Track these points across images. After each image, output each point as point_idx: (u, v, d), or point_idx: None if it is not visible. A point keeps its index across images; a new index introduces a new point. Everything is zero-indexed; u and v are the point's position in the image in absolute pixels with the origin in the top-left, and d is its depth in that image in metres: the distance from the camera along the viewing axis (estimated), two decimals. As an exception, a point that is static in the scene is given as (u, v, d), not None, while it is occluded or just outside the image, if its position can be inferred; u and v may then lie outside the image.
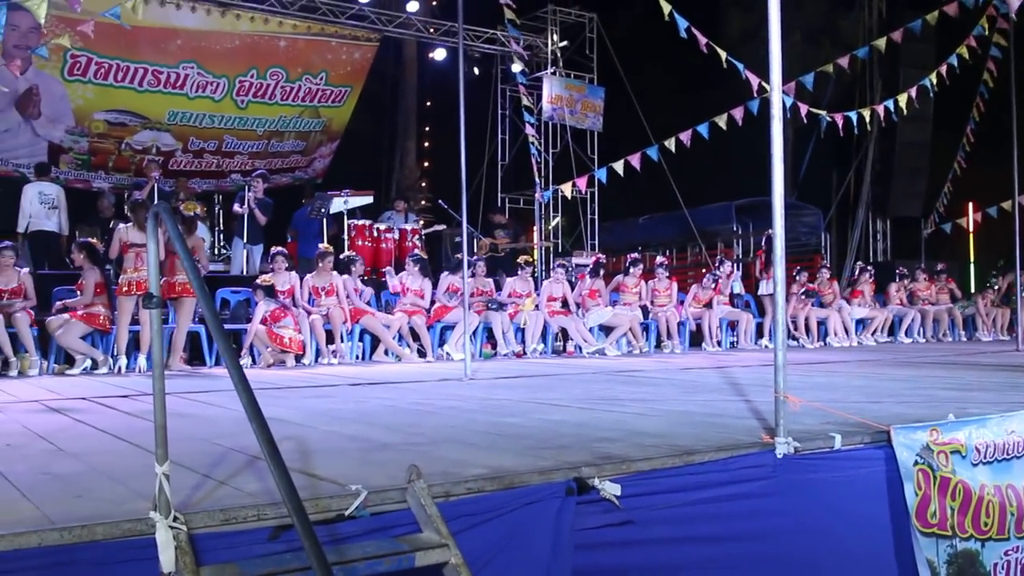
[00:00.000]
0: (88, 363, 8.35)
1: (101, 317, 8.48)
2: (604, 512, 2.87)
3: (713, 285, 12.18)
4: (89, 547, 2.17)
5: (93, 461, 3.25)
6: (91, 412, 4.94)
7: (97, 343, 8.66)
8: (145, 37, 13.38)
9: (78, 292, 8.55)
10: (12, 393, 6.18)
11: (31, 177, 11.67)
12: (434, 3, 17.61)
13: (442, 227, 13.93)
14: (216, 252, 13.40)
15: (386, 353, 9.88)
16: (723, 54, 9.65)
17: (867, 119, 11.39)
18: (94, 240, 8.93)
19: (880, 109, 11.76)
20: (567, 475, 2.85)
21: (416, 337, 10.15)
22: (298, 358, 9.12)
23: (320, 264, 9.74)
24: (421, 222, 14.14)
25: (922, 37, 12.01)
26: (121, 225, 8.58)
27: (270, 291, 9.10)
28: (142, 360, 8.32)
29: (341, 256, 10.48)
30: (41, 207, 10.90)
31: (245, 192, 11.57)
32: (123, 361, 8.33)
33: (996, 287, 14.81)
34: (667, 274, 12.16)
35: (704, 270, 13.25)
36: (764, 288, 12.10)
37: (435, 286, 10.52)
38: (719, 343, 11.99)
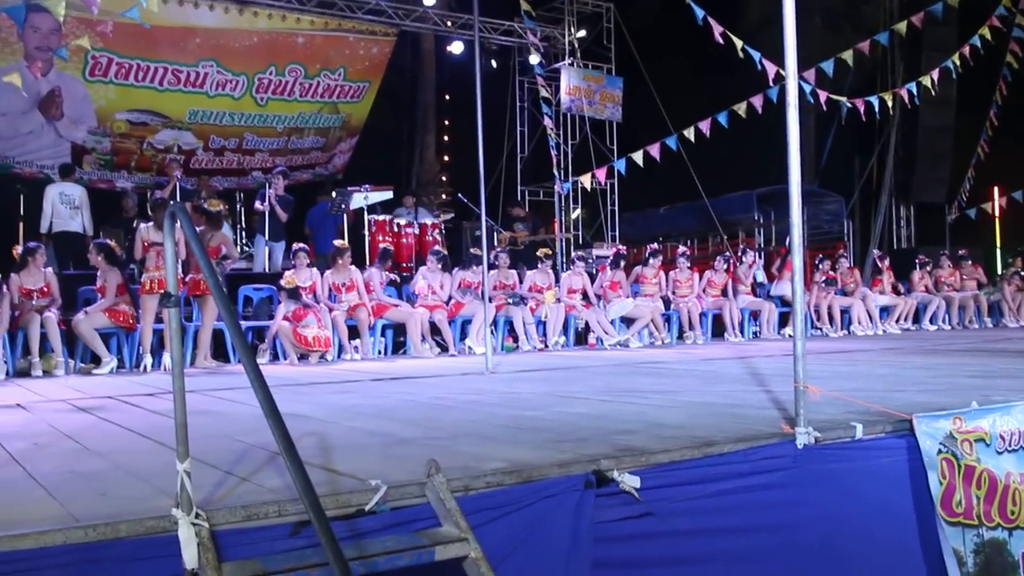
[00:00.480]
0: (114, 363, 8.43)
1: (128, 315, 8.57)
2: (623, 505, 2.88)
3: (725, 267, 12.14)
4: (113, 544, 2.19)
5: (118, 459, 3.29)
6: (116, 411, 4.99)
7: (123, 341, 8.74)
8: (164, 36, 13.46)
9: (99, 295, 8.62)
10: (39, 392, 6.25)
11: (55, 178, 11.77)
12: (451, -5, 17.59)
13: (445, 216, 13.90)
14: (239, 250, 13.49)
15: (405, 347, 9.92)
16: (739, 43, 9.58)
17: (889, 104, 11.27)
18: (111, 241, 9.00)
19: (903, 93, 11.64)
20: (586, 468, 2.85)
21: (437, 332, 10.17)
22: (323, 355, 9.17)
23: (339, 260, 9.78)
24: (441, 215, 14.17)
25: (944, 20, 11.87)
26: (143, 224, 8.65)
27: (293, 292, 9.15)
28: (167, 358, 8.37)
29: (382, 247, 10.64)
30: (63, 207, 11.00)
31: (266, 189, 11.63)
32: (148, 359, 8.40)
33: (1020, 273, 14.63)
34: (688, 264, 12.10)
35: (732, 262, 13.16)
36: (776, 289, 12.04)
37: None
38: (742, 332, 11.94)
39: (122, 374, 8.23)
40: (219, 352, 9.30)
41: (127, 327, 8.63)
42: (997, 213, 17.98)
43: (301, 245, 9.90)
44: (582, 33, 16.46)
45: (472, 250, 11.28)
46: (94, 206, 11.45)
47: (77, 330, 8.37)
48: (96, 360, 8.52)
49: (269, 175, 12.23)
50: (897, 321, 13.04)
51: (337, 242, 10.28)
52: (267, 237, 11.51)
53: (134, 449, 3.60)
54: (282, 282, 9.32)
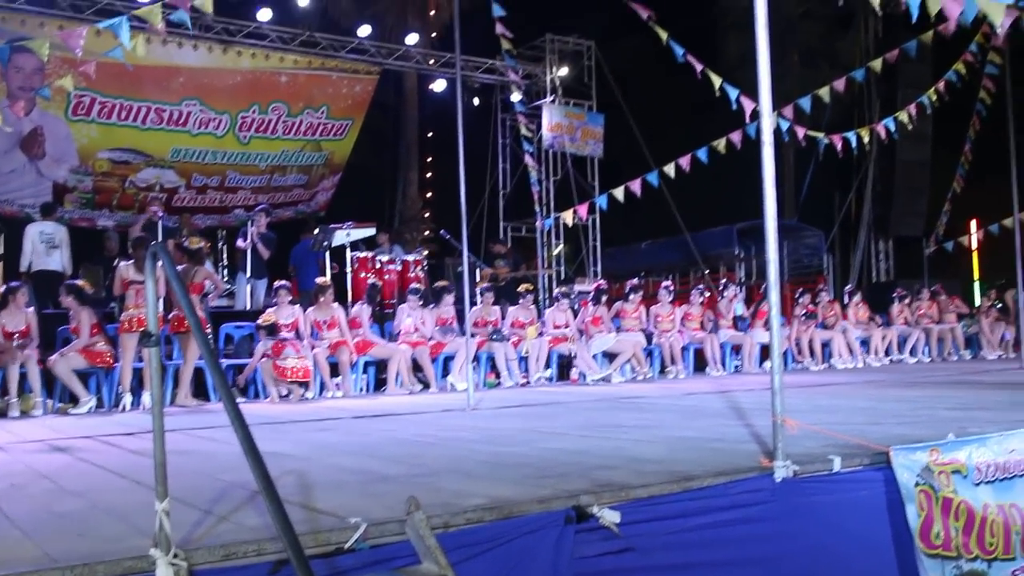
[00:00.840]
0: (93, 402, 8.36)
1: (105, 355, 8.50)
2: (603, 540, 2.88)
3: (701, 300, 12.21)
4: (90, 585, 2.18)
5: (95, 499, 3.27)
6: (94, 451, 4.96)
7: (101, 380, 8.68)
8: (148, 76, 13.53)
9: (74, 336, 8.55)
10: (16, 433, 6.20)
11: (36, 217, 11.75)
12: (433, 35, 17.77)
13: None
14: (221, 287, 13.47)
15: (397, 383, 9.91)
16: (717, 81, 9.70)
17: (866, 139, 11.42)
18: (81, 281, 8.92)
19: (880, 128, 11.80)
20: (566, 503, 2.86)
21: (419, 368, 10.16)
22: (304, 385, 9.13)
23: (321, 298, 9.77)
24: (426, 252, 14.19)
25: (919, 57, 12.08)
26: (122, 263, 8.61)
27: (271, 329, 9.15)
28: (146, 397, 8.34)
29: (370, 283, 10.66)
30: (42, 246, 10.95)
31: (248, 227, 11.63)
32: (128, 398, 8.34)
33: (998, 304, 14.78)
34: (670, 299, 12.17)
35: (708, 294, 13.23)
36: (755, 336, 12.10)
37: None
38: (723, 366, 11.98)
39: (100, 413, 8.16)
40: (200, 391, 9.25)
41: (105, 366, 8.57)
42: (974, 246, 18.19)
43: (283, 282, 9.89)
44: (564, 71, 16.64)
45: (438, 283, 11.30)
46: (75, 245, 11.42)
47: (54, 371, 8.31)
48: (74, 399, 8.45)
49: (252, 213, 12.25)
50: (877, 354, 13.12)
51: (319, 279, 10.28)
52: (249, 275, 11.51)
53: (112, 488, 3.58)
54: (259, 321, 9.32)
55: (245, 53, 14.28)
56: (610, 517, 2.86)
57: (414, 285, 11.29)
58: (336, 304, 9.88)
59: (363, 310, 10.20)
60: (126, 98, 13.72)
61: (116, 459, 4.54)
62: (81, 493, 3.43)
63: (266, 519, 2.69)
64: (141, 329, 8.16)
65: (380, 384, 10.27)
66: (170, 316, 8.49)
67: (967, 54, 11.82)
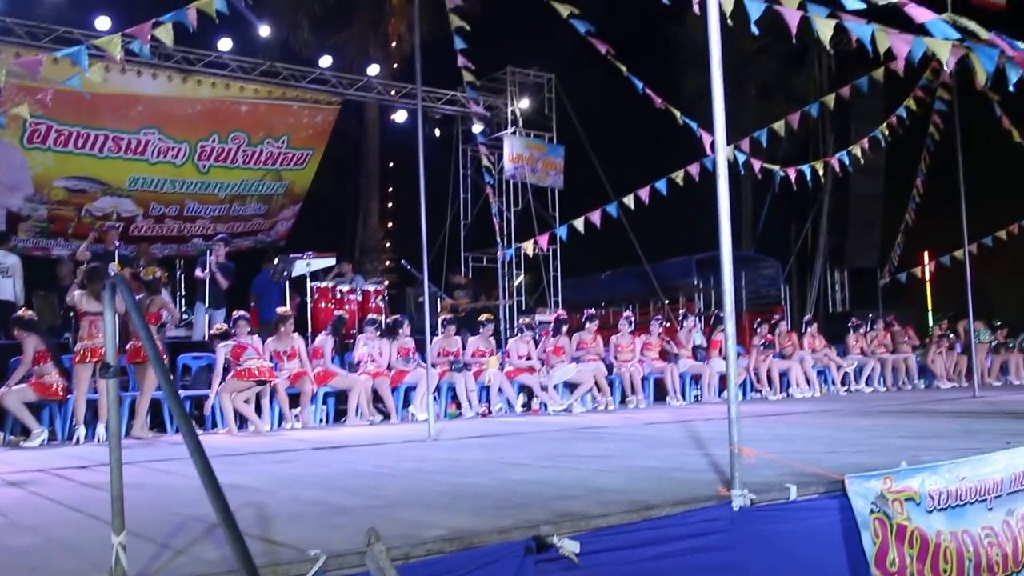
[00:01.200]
0: (45, 435, 8.19)
1: (55, 386, 8.33)
2: (564, 570, 2.89)
3: (660, 330, 12.33)
4: (43, 621, 2.15)
5: (49, 533, 3.21)
6: (47, 484, 4.87)
7: (54, 413, 8.52)
8: (106, 104, 13.41)
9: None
10: (-33, 466, 6.06)
11: (-13, 245, 11.54)
12: (395, 66, 17.84)
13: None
14: (179, 319, 13.30)
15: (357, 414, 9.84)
16: (677, 113, 9.86)
17: (820, 172, 11.65)
18: (23, 312, 8.75)
19: (833, 161, 12.05)
20: (526, 533, 2.87)
21: (379, 399, 10.11)
22: (262, 383, 9.08)
23: (281, 328, 9.70)
24: (386, 282, 14.16)
25: (871, 93, 12.37)
26: (76, 292, 8.45)
27: (225, 335, 9.10)
28: (101, 429, 8.19)
29: (337, 315, 10.62)
30: (-2, 276, 10.75)
31: (207, 256, 11.53)
32: (81, 431, 8.19)
33: (950, 334, 15.09)
34: (631, 329, 12.26)
35: (667, 324, 13.35)
36: (713, 366, 12.24)
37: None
38: (683, 396, 12.06)
39: (53, 446, 8.00)
40: (156, 422, 9.12)
41: (57, 399, 8.40)
42: (927, 277, 18.55)
43: (241, 313, 9.79)
44: (524, 103, 16.79)
45: (391, 317, 11.31)
46: (29, 274, 11.23)
47: (4, 404, 8.14)
48: (26, 432, 8.27)
49: (210, 242, 12.15)
50: (835, 384, 13.32)
51: (280, 309, 10.21)
52: (207, 305, 11.39)
53: (66, 523, 3.52)
54: (212, 331, 9.27)
55: (205, 82, 14.22)
56: (570, 547, 2.87)
57: (371, 316, 11.24)
58: (296, 335, 9.81)
59: (326, 341, 10.16)
60: (83, 126, 13.58)
61: (70, 493, 4.46)
62: (34, 528, 3.37)
63: (224, 552, 2.67)
64: (95, 360, 8.05)
65: (340, 415, 10.20)
66: (127, 346, 8.37)
67: (917, 90, 12.13)
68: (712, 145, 9.83)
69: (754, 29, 4.61)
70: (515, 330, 12.33)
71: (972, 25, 4.50)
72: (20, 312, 8.70)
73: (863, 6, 4.18)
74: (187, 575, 2.40)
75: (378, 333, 10.44)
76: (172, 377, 9.40)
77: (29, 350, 8.26)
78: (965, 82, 11.54)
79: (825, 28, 4.66)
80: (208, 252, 11.62)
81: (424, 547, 2.71)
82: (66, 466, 5.80)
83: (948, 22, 4.46)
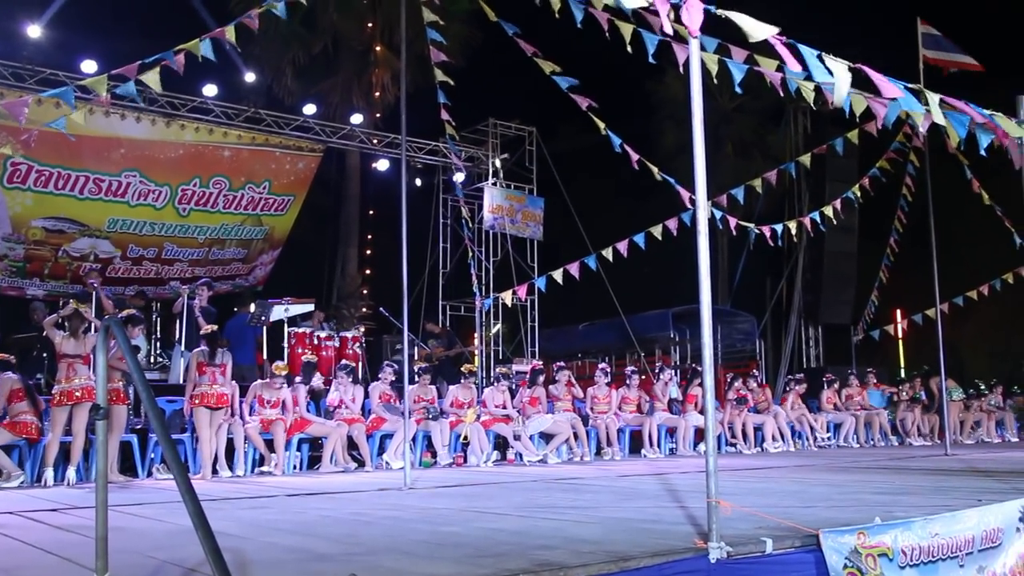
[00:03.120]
0: (23, 477, 8.08)
1: (30, 427, 8.25)
2: (542, 620, 2.90)
3: (636, 383, 12.38)
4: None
5: (24, 576, 3.19)
6: (19, 528, 4.81)
7: (25, 454, 8.41)
8: (88, 146, 13.42)
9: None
10: (-65, 507, 5.97)
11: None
12: (377, 115, 18.03)
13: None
14: (152, 360, 13.20)
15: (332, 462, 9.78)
16: (655, 169, 10.02)
17: (793, 231, 11.84)
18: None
19: (807, 221, 12.24)
20: (505, 583, 2.88)
21: (354, 446, 10.06)
22: (233, 411, 9.15)
23: (272, 378, 9.69)
24: (363, 329, 14.15)
25: (846, 153, 12.63)
26: (57, 334, 8.39)
27: (212, 339, 9.08)
28: (71, 472, 8.10)
29: (304, 360, 10.57)
30: (-35, 315, 10.66)
31: (183, 299, 11.45)
32: (49, 473, 8.08)
33: (921, 394, 15.26)
34: (607, 381, 12.31)
35: (643, 376, 13.40)
36: (690, 420, 12.31)
37: (367, 395, 10.49)
38: (659, 448, 12.08)
39: (22, 488, 7.88)
40: (127, 466, 9.02)
41: (31, 438, 8.30)
42: (900, 335, 18.78)
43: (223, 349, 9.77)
44: (505, 155, 16.98)
45: (385, 362, 11.31)
46: (2, 313, 11.15)
47: None
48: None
49: (192, 285, 12.10)
50: (812, 440, 13.41)
51: (277, 363, 10.14)
52: (184, 348, 11.28)
53: (40, 566, 3.48)
54: (202, 332, 9.36)
55: (189, 127, 14.29)
56: (548, 597, 2.89)
57: (344, 362, 11.22)
58: (286, 387, 9.74)
59: (299, 388, 10.12)
60: (64, 167, 13.57)
61: (42, 536, 4.41)
62: (8, 571, 3.33)
63: (203, 597, 2.67)
64: (71, 403, 7.99)
65: (314, 461, 10.13)
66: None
67: (890, 152, 12.41)
68: (691, 200, 10.04)
69: (738, 89, 4.75)
70: (492, 379, 12.34)
71: (937, 98, 4.64)
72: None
73: (830, 78, 4.31)
74: (166, 619, 2.40)
75: (350, 379, 10.42)
76: (143, 421, 9.34)
77: (5, 389, 8.18)
78: (937, 145, 11.85)
79: (806, 89, 4.80)
80: (187, 295, 11.57)
81: (404, 594, 2.72)
82: (36, 508, 5.73)
83: (917, 94, 4.61)
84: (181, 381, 10.99)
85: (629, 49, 5.79)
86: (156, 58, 7.12)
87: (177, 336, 11.62)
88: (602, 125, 9.18)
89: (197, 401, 8.87)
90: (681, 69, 5.39)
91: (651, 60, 5.66)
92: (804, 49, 4.35)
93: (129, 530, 4.59)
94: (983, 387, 15.81)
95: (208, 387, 8.91)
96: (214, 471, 8.89)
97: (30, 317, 12.14)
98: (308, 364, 10.88)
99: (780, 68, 5.40)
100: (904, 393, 15.19)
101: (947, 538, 4.09)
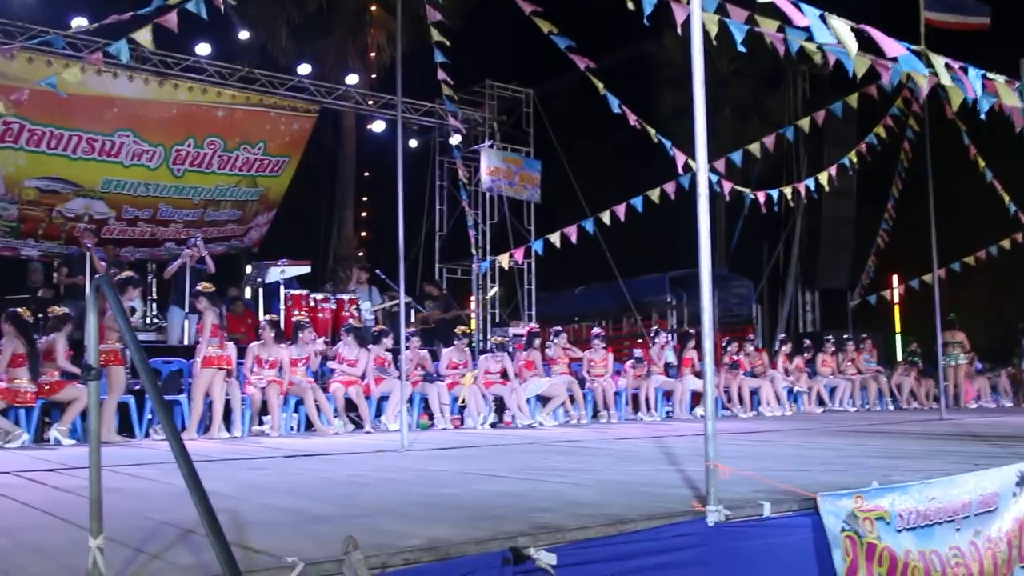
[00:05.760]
0: (26, 436, 8.06)
1: (27, 394, 8.19)
2: (540, 581, 2.90)
3: (603, 346, 12.40)
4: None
5: (21, 536, 3.18)
6: (16, 487, 4.81)
7: (21, 419, 8.36)
8: (81, 105, 13.29)
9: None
10: (-69, 468, 5.96)
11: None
12: (373, 76, 17.87)
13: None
14: (148, 321, 13.18)
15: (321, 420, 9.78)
16: (652, 132, 9.94)
17: (788, 196, 11.78)
18: (23, 310, 8.64)
19: (802, 187, 12.18)
20: (503, 545, 2.87)
21: (353, 407, 10.07)
22: (229, 373, 9.09)
23: (265, 336, 9.63)
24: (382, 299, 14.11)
25: (844, 118, 12.53)
26: None
27: (213, 298, 9.06)
28: (54, 432, 8.13)
29: (295, 320, 10.49)
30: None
31: (186, 260, 11.34)
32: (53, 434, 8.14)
33: (915, 359, 15.29)
34: (603, 345, 12.31)
35: (639, 341, 13.44)
36: (687, 384, 12.37)
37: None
38: (655, 412, 12.12)
39: (23, 449, 7.88)
40: (124, 427, 9.02)
41: (26, 405, 8.27)
42: (896, 300, 18.80)
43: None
44: (503, 117, 16.86)
45: (378, 326, 11.28)
46: (-2, 274, 11.10)
47: None
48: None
49: (190, 239, 12.02)
50: (810, 404, 13.46)
51: (267, 317, 10.13)
52: (187, 310, 11.13)
53: (38, 526, 3.48)
54: (200, 287, 9.30)
55: (182, 86, 14.16)
56: (546, 559, 2.88)
57: (349, 322, 11.20)
58: (282, 346, 9.73)
59: (292, 349, 10.08)
60: (57, 127, 13.45)
61: (40, 496, 4.41)
62: (6, 531, 3.32)
63: (200, 558, 2.66)
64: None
65: (311, 424, 10.14)
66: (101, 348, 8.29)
67: (887, 117, 12.31)
68: (685, 165, 9.98)
69: (740, 48, 4.68)
70: (488, 345, 12.34)
71: (942, 61, 4.58)
72: (20, 311, 8.50)
73: (832, 39, 4.25)
74: (163, 580, 2.39)
75: (352, 337, 10.38)
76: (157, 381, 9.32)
77: (8, 353, 8.14)
78: (935, 111, 11.78)
79: (810, 50, 4.74)
80: (192, 244, 11.51)
81: (401, 556, 2.71)
82: (33, 468, 5.73)
83: (920, 56, 4.55)
84: (179, 342, 10.99)
85: (631, 5, 5.68)
86: (149, 9, 7.00)
87: (174, 297, 11.57)
88: (600, 86, 9.08)
89: (207, 364, 8.87)
90: (679, 30, 5.33)
91: (646, 22, 5.58)
92: (807, 8, 4.28)
93: (126, 491, 4.59)
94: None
95: (217, 349, 8.91)
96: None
97: (26, 278, 12.12)
98: (297, 324, 10.77)
99: (781, 29, 5.33)
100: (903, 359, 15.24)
101: (944, 502, 4.09)
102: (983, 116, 5.22)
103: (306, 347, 10.04)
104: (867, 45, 4.55)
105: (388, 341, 10.54)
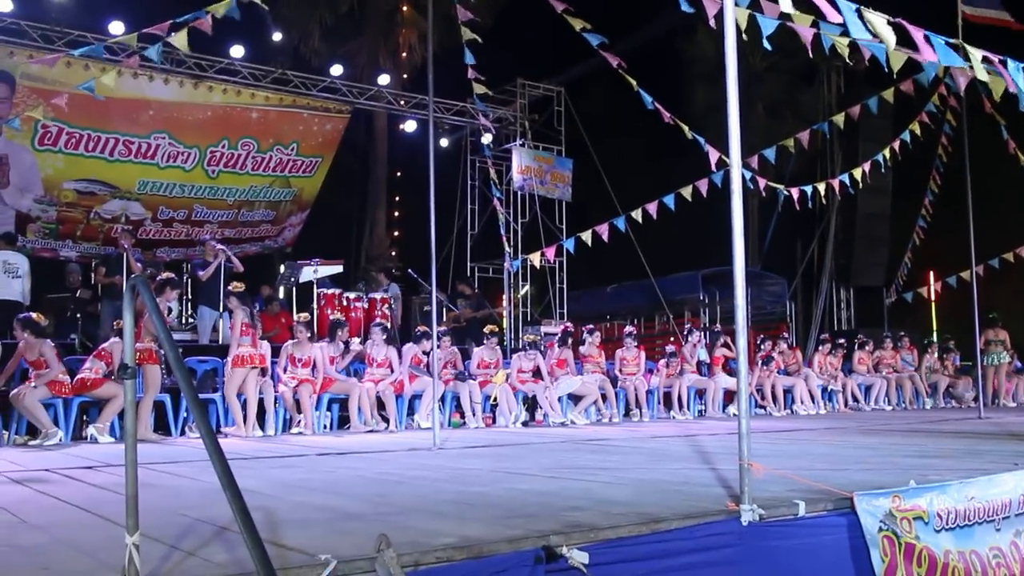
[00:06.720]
0: (60, 435, 8.19)
1: (65, 385, 8.34)
2: (573, 580, 2.89)
3: (678, 357, 12.31)
4: (56, 619, 2.15)
5: (58, 533, 3.22)
6: (55, 483, 4.88)
7: (59, 413, 8.50)
8: (117, 108, 13.48)
9: (31, 368, 8.35)
10: (-27, 465, 6.07)
11: (-3, 245, 11.56)
12: (404, 76, 17.94)
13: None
14: (184, 321, 13.33)
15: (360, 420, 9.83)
16: (686, 128, 9.88)
17: (822, 192, 11.65)
18: (35, 315, 8.74)
19: (836, 183, 12.05)
20: (536, 543, 2.86)
21: (382, 406, 10.11)
22: (264, 372, 9.19)
23: (299, 335, 9.70)
24: (399, 291, 14.18)
25: (879, 113, 12.37)
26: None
27: (243, 297, 9.14)
28: (90, 429, 8.24)
29: (332, 319, 10.55)
30: (4, 276, 10.77)
31: (220, 261, 11.48)
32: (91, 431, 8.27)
33: (949, 354, 15.06)
34: (635, 343, 12.25)
35: (672, 339, 13.37)
36: (719, 382, 12.29)
37: (400, 356, 10.49)
38: (687, 411, 12.05)
39: (59, 447, 7.99)
40: (160, 425, 9.13)
41: (63, 397, 8.40)
42: (933, 297, 18.53)
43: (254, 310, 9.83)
44: (534, 116, 16.85)
45: (421, 327, 11.32)
46: (37, 275, 11.26)
47: (22, 402, 8.10)
48: (32, 432, 8.28)
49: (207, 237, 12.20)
50: (846, 404, 13.31)
51: (300, 315, 10.22)
52: (222, 310, 11.26)
53: (75, 522, 3.52)
54: (231, 287, 9.38)
55: (216, 88, 14.31)
56: (579, 558, 2.87)
57: (380, 321, 11.25)
58: (316, 345, 9.81)
59: (326, 347, 10.16)
60: (94, 129, 13.65)
61: (77, 493, 4.47)
62: (44, 527, 3.37)
63: (234, 555, 2.68)
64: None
65: (344, 421, 10.20)
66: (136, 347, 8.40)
67: (923, 114, 12.13)
68: (718, 162, 9.91)
69: (767, 45, 4.62)
70: (520, 344, 12.32)
71: (979, 54, 4.50)
72: (32, 315, 8.64)
73: (868, 36, 4.18)
74: (198, 577, 2.40)
75: (384, 338, 10.42)
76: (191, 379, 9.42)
77: (52, 356, 8.30)
78: (972, 105, 11.58)
79: (840, 45, 4.68)
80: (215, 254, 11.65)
81: (434, 554, 2.71)
82: (72, 466, 5.81)
83: (957, 50, 4.47)
84: (208, 341, 11.10)
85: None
86: (187, 18, 7.08)
87: (203, 297, 11.69)
88: (634, 82, 9.04)
89: (239, 363, 8.95)
90: (711, 22, 5.28)
91: (685, 8, 5.52)
92: (842, 2, 4.22)
93: (161, 488, 4.64)
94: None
95: (250, 348, 8.99)
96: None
97: (65, 279, 12.29)
98: (335, 322, 10.88)
99: (815, 24, 5.26)
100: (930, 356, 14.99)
101: (983, 502, 4.02)
102: (1023, 109, 5.12)
103: (341, 345, 10.12)
104: (904, 39, 4.49)
105: (427, 343, 10.55)
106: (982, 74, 4.40)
